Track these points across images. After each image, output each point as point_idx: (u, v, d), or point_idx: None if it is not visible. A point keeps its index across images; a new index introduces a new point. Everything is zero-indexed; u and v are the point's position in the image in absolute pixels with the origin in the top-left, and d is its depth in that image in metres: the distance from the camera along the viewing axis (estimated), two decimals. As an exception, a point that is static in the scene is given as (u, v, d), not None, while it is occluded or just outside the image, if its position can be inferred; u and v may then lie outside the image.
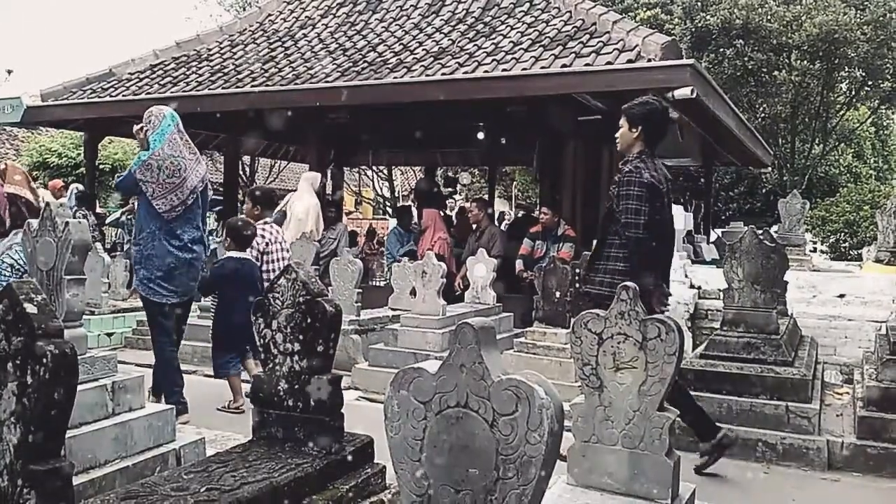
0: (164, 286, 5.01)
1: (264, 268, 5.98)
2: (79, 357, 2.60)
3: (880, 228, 10.05)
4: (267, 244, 6.06)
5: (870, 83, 18.95)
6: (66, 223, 3.36)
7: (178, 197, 4.91)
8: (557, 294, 6.37)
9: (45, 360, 1.94)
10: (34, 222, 3.47)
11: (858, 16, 17.04)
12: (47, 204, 3.46)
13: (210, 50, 11.53)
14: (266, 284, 5.28)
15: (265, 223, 6.20)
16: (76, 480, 2.84)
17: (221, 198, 13.12)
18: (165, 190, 4.87)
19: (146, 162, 4.87)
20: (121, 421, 3.34)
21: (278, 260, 6.06)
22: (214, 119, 11.31)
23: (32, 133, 19.52)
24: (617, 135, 4.34)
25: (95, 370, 3.37)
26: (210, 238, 13.53)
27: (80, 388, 2.72)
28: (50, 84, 11.47)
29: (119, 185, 5.52)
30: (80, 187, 12.06)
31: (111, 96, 10.71)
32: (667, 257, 4.34)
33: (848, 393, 5.64)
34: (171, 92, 10.24)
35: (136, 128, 5.12)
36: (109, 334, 7.79)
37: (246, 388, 5.35)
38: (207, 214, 5.85)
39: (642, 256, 4.06)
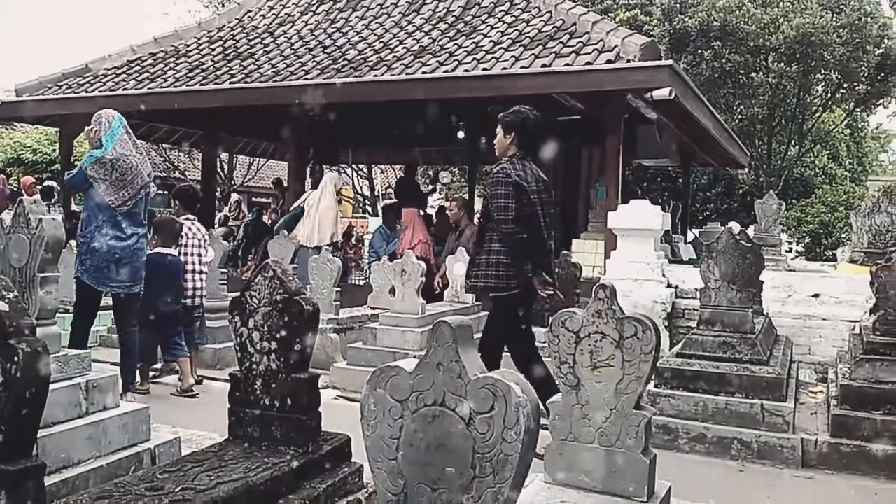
0: (110, 276, 5.28)
1: (184, 259, 6.38)
2: (52, 355, 2.58)
3: (854, 229, 10.18)
4: (184, 236, 6.41)
5: (845, 86, 19.18)
6: (40, 220, 3.32)
7: (129, 192, 5.25)
8: (536, 293, 6.37)
9: (16, 359, 1.92)
10: (6, 218, 3.42)
11: (835, 19, 17.23)
12: (20, 200, 3.41)
13: (188, 46, 11.44)
14: (186, 274, 6.28)
15: (185, 219, 6.57)
16: (49, 480, 2.81)
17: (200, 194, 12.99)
18: (117, 186, 5.20)
19: (100, 160, 5.17)
20: (95, 420, 3.31)
21: (193, 254, 6.47)
22: (192, 116, 11.24)
23: (7, 129, 19.29)
24: (494, 140, 4.81)
25: (69, 369, 3.33)
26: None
27: (53, 386, 2.69)
28: (25, 79, 11.34)
29: (69, 181, 5.75)
30: (54, 184, 11.93)
31: (87, 92, 10.60)
32: (541, 247, 4.66)
33: (822, 392, 5.71)
34: (149, 88, 10.16)
35: (86, 129, 5.41)
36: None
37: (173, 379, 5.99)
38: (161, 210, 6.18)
39: (515, 247, 4.52)
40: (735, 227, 7.23)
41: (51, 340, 3.03)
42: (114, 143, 5.20)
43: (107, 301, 5.93)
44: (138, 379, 5.75)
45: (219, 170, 17.54)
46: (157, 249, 5.99)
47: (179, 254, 6.31)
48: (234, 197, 15.58)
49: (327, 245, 9.08)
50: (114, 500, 2.40)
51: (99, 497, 2.43)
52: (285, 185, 14.69)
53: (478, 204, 17.92)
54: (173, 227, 6.21)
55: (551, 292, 4.67)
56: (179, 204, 6.83)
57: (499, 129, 4.78)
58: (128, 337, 5.51)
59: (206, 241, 6.73)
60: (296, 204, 9.51)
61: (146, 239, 5.59)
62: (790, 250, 15.32)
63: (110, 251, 5.22)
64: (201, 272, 6.57)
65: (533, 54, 8.21)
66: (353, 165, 22.56)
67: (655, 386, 5.05)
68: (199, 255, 6.54)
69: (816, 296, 6.99)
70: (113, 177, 5.16)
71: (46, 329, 3.21)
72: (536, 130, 4.81)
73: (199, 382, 6.24)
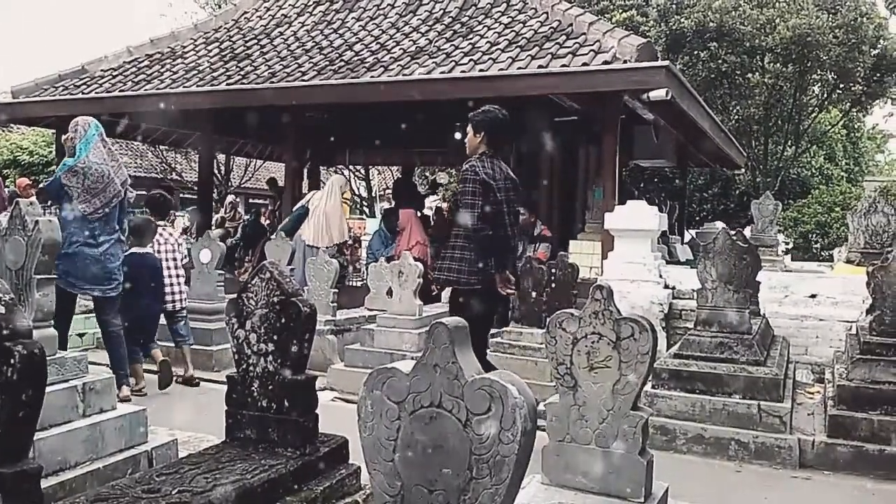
0: (81, 280, 5.39)
1: None
2: (48, 358, 2.58)
3: (851, 230, 10.19)
4: (156, 242, 6.58)
5: (841, 86, 19.21)
6: (36, 222, 3.32)
7: (102, 200, 5.34)
8: (534, 294, 6.39)
9: (13, 361, 1.91)
10: (2, 220, 3.41)
11: (830, 19, 17.26)
12: (16, 202, 3.41)
13: (185, 47, 11.43)
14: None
15: (157, 225, 6.70)
16: (46, 483, 2.80)
17: (196, 196, 13.03)
18: (90, 194, 5.29)
19: (73, 168, 5.26)
20: (91, 422, 3.31)
21: (167, 259, 6.63)
22: (189, 117, 11.23)
23: (3, 130, 19.25)
24: (465, 140, 4.89)
25: (66, 371, 3.33)
26: (185, 237, 13.52)
27: (49, 389, 2.69)
28: (21, 81, 11.33)
29: (45, 188, 5.85)
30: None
31: (84, 93, 10.60)
32: (505, 245, 4.78)
33: (819, 392, 5.71)
34: (145, 89, 10.15)
35: (63, 137, 5.55)
36: (81, 335, 7.69)
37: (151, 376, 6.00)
38: (147, 215, 6.80)
39: (479, 243, 4.62)
40: (719, 225, 7.23)
41: (47, 343, 3.02)
42: (87, 152, 5.30)
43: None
44: (132, 380, 5.80)
45: (216, 171, 17.52)
46: (134, 249, 6.13)
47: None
48: (230, 198, 15.58)
49: (333, 245, 9.16)
50: (111, 503, 2.40)
51: (96, 500, 2.43)
52: (279, 184, 14.74)
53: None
54: (149, 227, 6.37)
55: (512, 291, 4.83)
56: (150, 212, 7.00)
57: (469, 129, 4.88)
58: (109, 337, 5.63)
59: (179, 245, 6.91)
60: (298, 205, 9.53)
61: (121, 244, 5.67)
62: (787, 252, 15.34)
63: (81, 256, 5.32)
64: (178, 275, 6.74)
65: (529, 55, 8.22)
66: (351, 166, 22.55)
67: (653, 387, 5.05)
68: (175, 258, 6.72)
69: (813, 296, 7.00)
70: (85, 185, 5.26)
71: (43, 331, 3.20)
72: (505, 129, 4.94)
73: (196, 384, 6.34)
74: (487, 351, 4.89)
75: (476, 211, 4.58)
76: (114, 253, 5.52)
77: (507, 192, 4.77)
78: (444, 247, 4.92)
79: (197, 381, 6.34)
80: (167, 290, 6.52)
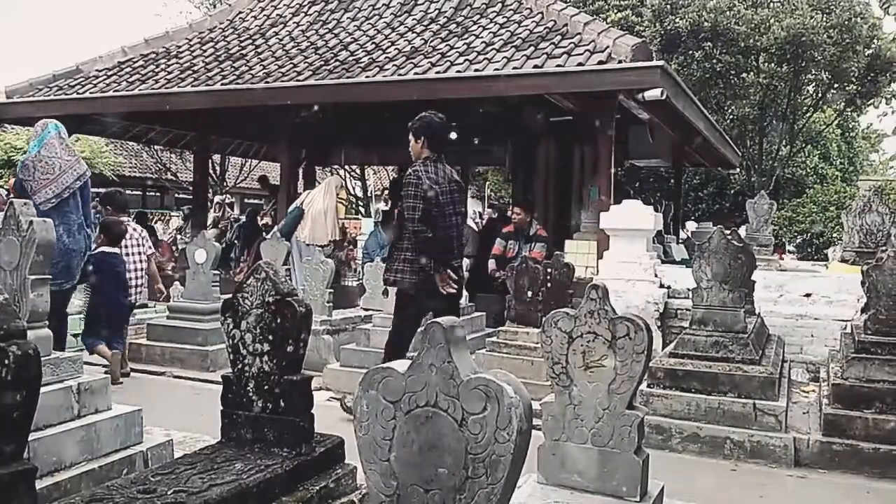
0: None
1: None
2: (43, 358, 2.57)
3: (846, 229, 10.21)
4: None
5: (836, 86, 19.22)
6: (31, 222, 3.31)
7: (53, 191, 5.51)
8: (529, 294, 6.39)
9: (7, 362, 1.90)
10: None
11: (825, 19, 17.27)
12: (11, 203, 3.40)
13: (179, 47, 11.40)
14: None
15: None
16: (41, 483, 2.80)
17: (191, 196, 13.01)
18: (41, 185, 5.50)
19: (24, 163, 5.57)
20: (87, 423, 3.30)
21: (133, 254, 6.92)
22: (183, 117, 11.21)
23: (-2, 131, 19.17)
24: (409, 148, 5.12)
25: (60, 371, 3.32)
26: (180, 235, 13.38)
27: (44, 389, 2.68)
28: (15, 81, 11.29)
29: (13, 185, 6.20)
30: None
31: (78, 93, 10.56)
32: (445, 246, 4.99)
33: (814, 391, 5.73)
34: (140, 89, 10.12)
35: (28, 139, 5.80)
36: (76, 335, 7.69)
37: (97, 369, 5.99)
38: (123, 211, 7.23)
39: (420, 244, 4.86)
40: (692, 225, 7.23)
41: (42, 343, 3.01)
42: (39, 148, 5.54)
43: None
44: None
45: (211, 171, 17.50)
46: (102, 248, 6.29)
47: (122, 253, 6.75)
48: (218, 198, 15.58)
49: (330, 243, 9.18)
50: (106, 503, 2.39)
51: (91, 500, 2.42)
52: (271, 181, 14.72)
53: (471, 205, 17.98)
54: (118, 228, 6.58)
55: (454, 290, 5.00)
56: (111, 209, 7.13)
57: (410, 136, 5.10)
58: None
59: (145, 240, 7.18)
60: (293, 206, 9.54)
61: (87, 239, 5.78)
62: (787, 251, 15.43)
63: None
64: (142, 269, 7.04)
65: (524, 55, 8.22)
66: (346, 166, 22.54)
67: (648, 386, 5.06)
68: (140, 253, 7.01)
69: (808, 295, 7.01)
70: (35, 176, 5.48)
71: (38, 332, 3.19)
72: (443, 133, 5.19)
73: (126, 375, 6.58)
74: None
75: (418, 213, 4.82)
76: (74, 248, 5.60)
77: (450, 195, 5.01)
78: (392, 249, 5.16)
79: (122, 381, 6.28)
80: (132, 283, 6.82)
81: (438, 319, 2.06)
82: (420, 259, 4.89)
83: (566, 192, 11.23)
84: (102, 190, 8.57)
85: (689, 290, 5.82)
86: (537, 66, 7.92)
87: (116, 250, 6.50)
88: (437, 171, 5.00)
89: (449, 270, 4.96)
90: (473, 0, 10.16)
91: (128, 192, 23.31)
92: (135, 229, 7.12)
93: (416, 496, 2.04)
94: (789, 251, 16.37)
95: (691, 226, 14.31)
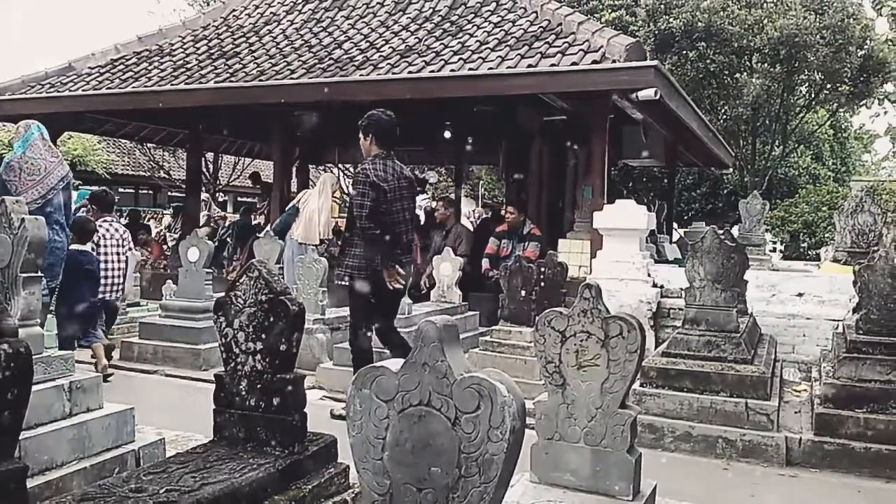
0: None
1: (101, 258, 6.88)
2: (35, 356, 2.56)
3: (838, 229, 10.25)
4: (100, 238, 6.93)
5: (828, 86, 19.30)
6: (22, 220, 3.29)
7: (39, 191, 5.56)
8: (523, 293, 6.39)
9: (-2, 360, 1.90)
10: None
11: (818, 20, 17.33)
12: (2, 200, 3.38)
13: (173, 45, 11.36)
14: (101, 272, 6.77)
15: (103, 221, 7.11)
16: (32, 482, 2.79)
17: (184, 195, 12.98)
18: (27, 186, 5.53)
19: (9, 164, 5.58)
20: (78, 422, 3.29)
21: (111, 253, 7.02)
22: (177, 115, 11.17)
23: (-11, 128, 19.08)
24: (360, 145, 5.25)
25: (52, 370, 3.31)
26: (169, 233, 13.38)
27: (35, 388, 2.67)
28: (7, 78, 11.23)
29: None
30: None
31: (71, 91, 10.51)
32: (393, 241, 5.10)
33: (806, 390, 5.75)
34: (133, 87, 10.08)
35: (11, 138, 5.80)
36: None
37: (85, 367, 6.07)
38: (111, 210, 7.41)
39: (368, 241, 5.00)
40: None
41: (34, 341, 3.00)
42: (24, 148, 5.58)
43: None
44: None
45: (204, 169, 17.43)
46: (73, 246, 6.31)
47: (100, 253, 6.85)
48: (203, 196, 15.54)
49: (325, 242, 9.18)
50: (97, 502, 2.38)
51: (82, 499, 2.41)
52: (263, 178, 14.67)
53: (465, 205, 18.00)
54: (86, 226, 6.64)
55: (401, 285, 5.15)
56: (97, 207, 7.34)
57: (360, 135, 5.21)
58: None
59: (125, 240, 7.25)
60: (290, 205, 9.54)
61: (66, 238, 5.84)
62: (774, 250, 15.43)
63: None
64: (121, 268, 7.11)
65: (519, 54, 8.22)
66: (340, 165, 22.50)
67: (641, 385, 5.07)
68: (118, 252, 7.08)
69: (800, 295, 7.04)
70: (21, 178, 5.51)
71: (29, 330, 3.18)
72: (391, 130, 5.24)
73: (108, 375, 6.61)
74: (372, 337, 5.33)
75: (365, 210, 4.94)
76: (57, 247, 5.64)
77: (399, 192, 5.11)
78: (343, 245, 5.29)
79: (111, 374, 6.48)
80: (111, 280, 6.95)
81: (433, 319, 2.05)
82: (369, 254, 5.02)
83: (560, 192, 11.24)
84: (96, 188, 8.61)
85: (681, 289, 5.83)
86: (531, 66, 7.92)
87: (87, 248, 6.56)
88: (385, 167, 5.10)
89: (397, 266, 5.09)
90: (468, -1, 10.17)
91: (120, 190, 23.32)
92: (116, 229, 7.21)
93: (409, 495, 2.04)
94: (780, 251, 16.42)
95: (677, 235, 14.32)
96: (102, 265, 6.86)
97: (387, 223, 5.03)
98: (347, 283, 5.19)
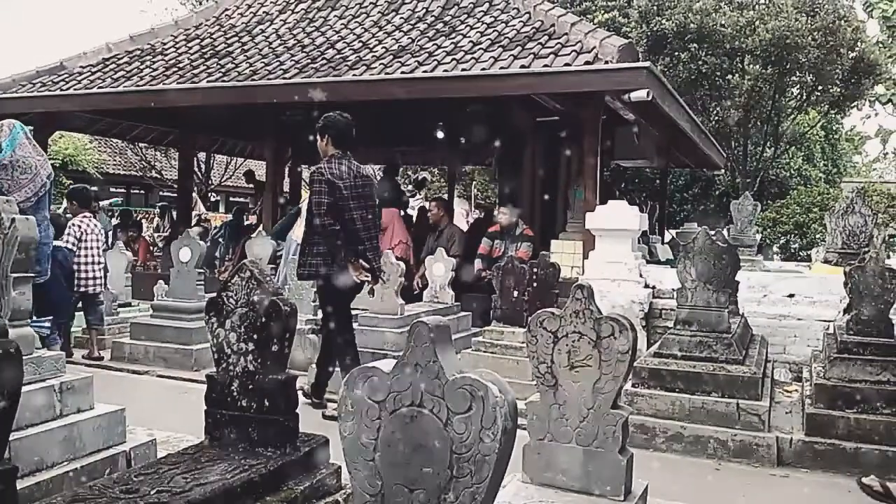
0: None
1: (82, 253, 7.12)
2: (25, 357, 2.55)
3: (829, 230, 10.31)
4: (83, 233, 7.14)
5: (820, 88, 19.36)
6: (12, 220, 3.27)
7: (31, 190, 5.62)
8: (515, 293, 6.40)
9: (-13, 360, 1.89)
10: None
11: (809, 22, 17.39)
12: (-8, 200, 3.36)
13: (165, 44, 11.33)
14: (81, 267, 7.05)
15: (83, 217, 7.29)
16: (22, 483, 2.77)
17: (175, 194, 12.94)
18: (20, 185, 5.57)
19: (0, 163, 5.59)
20: (69, 422, 3.27)
21: (91, 248, 7.21)
22: (169, 114, 11.14)
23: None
24: (317, 147, 5.40)
25: (43, 370, 3.29)
26: (157, 233, 13.41)
27: (26, 388, 2.66)
28: (-2, 76, 11.19)
29: None
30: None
31: (62, 90, 10.47)
32: (353, 237, 5.24)
33: (797, 390, 5.77)
34: (125, 86, 10.05)
35: None
36: (65, 333, 7.72)
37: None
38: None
39: (328, 238, 5.14)
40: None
41: (24, 342, 2.98)
42: (13, 147, 5.60)
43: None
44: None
45: (196, 169, 17.39)
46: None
47: (80, 248, 7.09)
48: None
49: None
50: (88, 503, 2.37)
51: (73, 500, 2.40)
52: (257, 177, 14.63)
53: (458, 205, 18.04)
54: (57, 223, 6.77)
55: (366, 278, 5.31)
56: (76, 203, 7.47)
57: (317, 136, 5.38)
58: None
59: (101, 235, 7.48)
60: (294, 207, 9.57)
61: (51, 236, 5.90)
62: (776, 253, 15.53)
63: None
64: (99, 263, 7.30)
65: (512, 55, 8.23)
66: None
67: (633, 385, 5.08)
68: (97, 247, 7.28)
69: (791, 296, 7.06)
70: (14, 177, 5.54)
71: (19, 330, 3.16)
72: (346, 131, 5.38)
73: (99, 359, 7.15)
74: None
75: (322, 209, 5.08)
76: (45, 243, 5.68)
77: (355, 190, 5.24)
78: (304, 244, 5.38)
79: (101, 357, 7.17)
80: (89, 275, 7.14)
81: (425, 319, 2.05)
82: (330, 251, 5.16)
83: (552, 193, 11.25)
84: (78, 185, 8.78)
85: (673, 290, 5.85)
86: (524, 66, 7.93)
87: (59, 243, 6.68)
88: (341, 167, 5.25)
89: (361, 260, 5.24)
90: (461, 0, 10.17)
91: (111, 189, 23.23)
92: (97, 225, 7.41)
93: (400, 496, 2.04)
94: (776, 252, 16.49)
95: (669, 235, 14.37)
96: (84, 259, 7.09)
97: (345, 220, 5.17)
98: (318, 283, 5.36)
